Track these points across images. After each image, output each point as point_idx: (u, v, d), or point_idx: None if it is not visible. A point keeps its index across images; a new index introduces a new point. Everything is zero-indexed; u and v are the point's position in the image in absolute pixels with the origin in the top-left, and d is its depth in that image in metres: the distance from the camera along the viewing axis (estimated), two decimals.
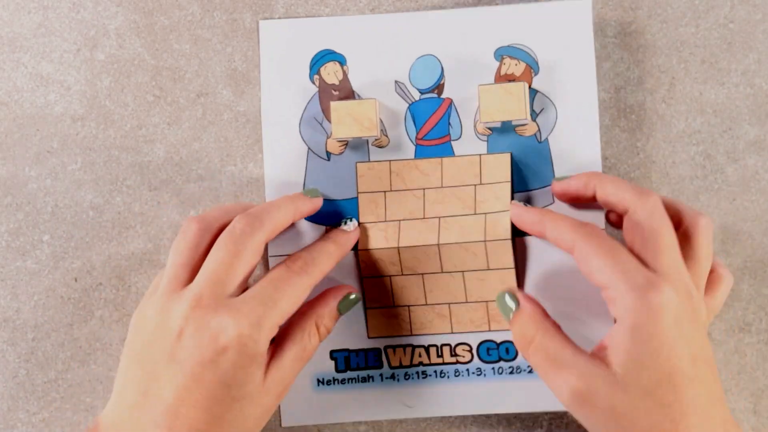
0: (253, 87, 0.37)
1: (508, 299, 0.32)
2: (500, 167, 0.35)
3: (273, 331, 0.30)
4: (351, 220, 0.35)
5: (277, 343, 0.31)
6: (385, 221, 0.35)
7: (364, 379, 0.36)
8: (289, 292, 0.31)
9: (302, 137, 0.36)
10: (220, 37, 0.37)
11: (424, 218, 0.35)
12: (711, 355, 0.29)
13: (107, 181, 0.37)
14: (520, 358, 0.35)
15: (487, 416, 0.37)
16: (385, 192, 0.36)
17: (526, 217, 0.33)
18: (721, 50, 0.37)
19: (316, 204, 0.35)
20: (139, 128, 0.37)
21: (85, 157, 0.37)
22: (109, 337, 0.37)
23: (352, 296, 0.34)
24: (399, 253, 0.35)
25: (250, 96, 0.37)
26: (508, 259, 0.34)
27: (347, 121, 0.34)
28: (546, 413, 0.36)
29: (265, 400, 0.30)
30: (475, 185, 0.35)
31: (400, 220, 0.35)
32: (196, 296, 0.29)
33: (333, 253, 0.34)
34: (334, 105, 0.35)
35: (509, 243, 0.34)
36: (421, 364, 0.36)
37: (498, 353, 0.36)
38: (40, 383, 0.37)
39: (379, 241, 0.35)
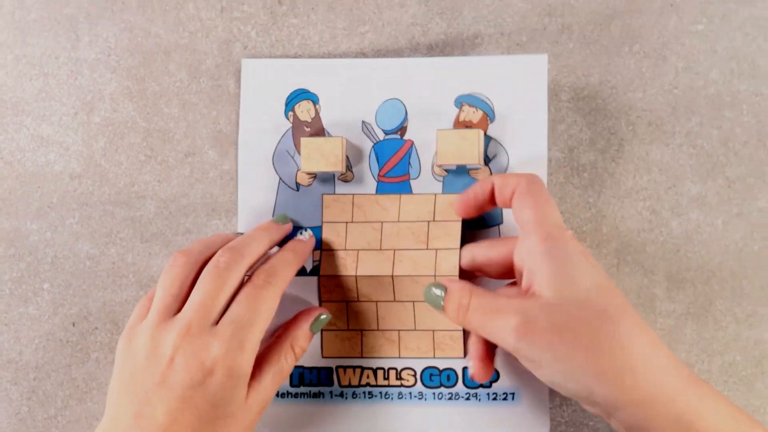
0: (236, 147, 0.40)
1: (434, 289, 0.34)
2: (453, 207, 0.38)
3: (255, 349, 0.32)
4: (306, 230, 0.38)
5: (257, 365, 0.33)
6: (345, 250, 0.38)
7: (316, 395, 0.39)
8: (261, 309, 0.33)
9: (275, 168, 0.39)
10: (206, 102, 0.40)
11: (380, 249, 0.38)
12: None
13: (102, 234, 0.40)
14: (459, 385, 0.38)
15: None
16: (347, 223, 0.38)
17: (471, 190, 0.35)
18: (666, 114, 0.40)
19: (287, 230, 0.38)
20: (131, 185, 0.40)
21: (82, 212, 0.40)
22: (104, 377, 0.40)
23: (323, 317, 0.37)
24: (356, 281, 0.38)
25: (234, 156, 0.40)
26: None
27: (315, 156, 0.37)
28: None
29: (247, 417, 0.32)
30: (428, 221, 0.38)
31: (358, 250, 0.38)
32: (185, 325, 0.31)
33: (292, 262, 0.36)
34: (304, 141, 0.37)
35: (456, 278, 0.37)
36: (368, 384, 0.39)
37: (440, 379, 0.38)
38: (41, 419, 0.40)
39: (339, 268, 0.38)
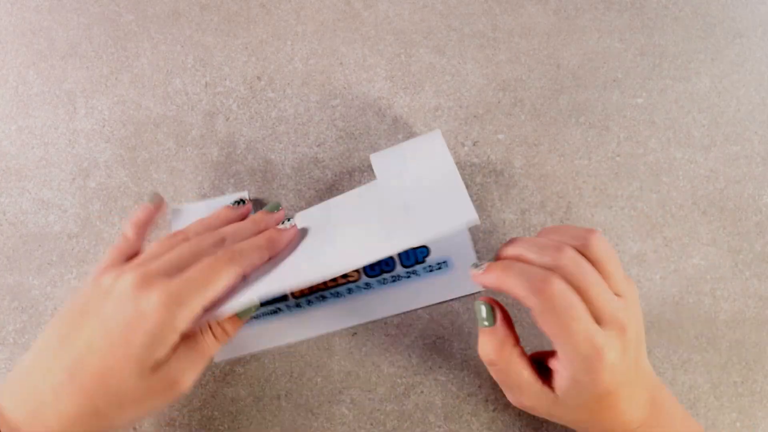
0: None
1: (484, 312, 0.34)
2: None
3: (194, 313, 0.32)
4: (290, 220, 0.38)
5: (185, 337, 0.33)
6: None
7: (274, 312, 0.41)
8: (215, 281, 0.32)
9: None
10: (191, 168, 0.43)
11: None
12: (639, 359, 0.33)
13: None
14: (398, 267, 0.41)
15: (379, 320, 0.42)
16: None
17: (485, 279, 0.33)
18: (609, 179, 0.43)
19: (278, 218, 0.38)
20: None
21: (79, 269, 0.43)
22: None
23: (251, 304, 0.35)
24: None
25: None
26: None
27: None
28: (424, 308, 0.42)
29: (160, 375, 0.32)
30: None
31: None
32: (144, 270, 0.32)
33: (263, 248, 0.36)
34: None
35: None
36: (319, 290, 0.41)
37: (380, 267, 0.41)
38: None
39: None
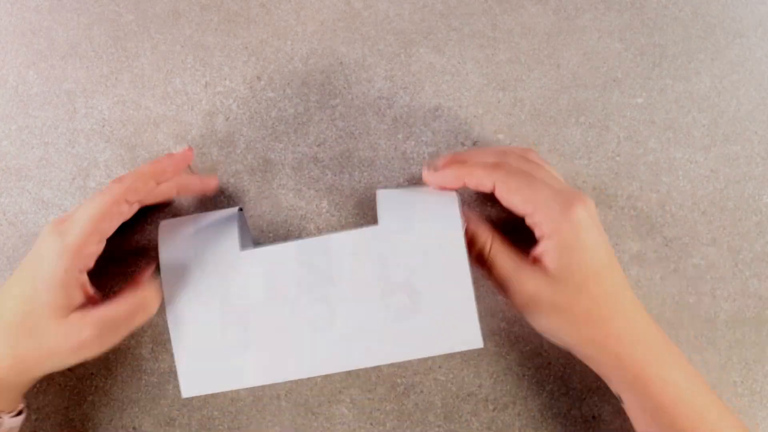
0: (219, 209, 0.43)
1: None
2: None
3: (80, 227, 0.34)
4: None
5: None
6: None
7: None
8: (98, 199, 0.34)
9: None
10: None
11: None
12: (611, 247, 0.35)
13: (98, 288, 0.43)
14: None
15: None
16: None
17: (441, 179, 0.36)
18: (609, 179, 0.43)
19: (177, 162, 0.38)
20: (124, 244, 0.43)
21: None
22: (98, 418, 0.43)
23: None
24: None
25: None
26: None
27: None
28: None
29: (75, 320, 0.34)
30: None
31: None
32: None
33: (147, 174, 0.36)
34: None
35: None
36: None
37: None
38: None
39: None
